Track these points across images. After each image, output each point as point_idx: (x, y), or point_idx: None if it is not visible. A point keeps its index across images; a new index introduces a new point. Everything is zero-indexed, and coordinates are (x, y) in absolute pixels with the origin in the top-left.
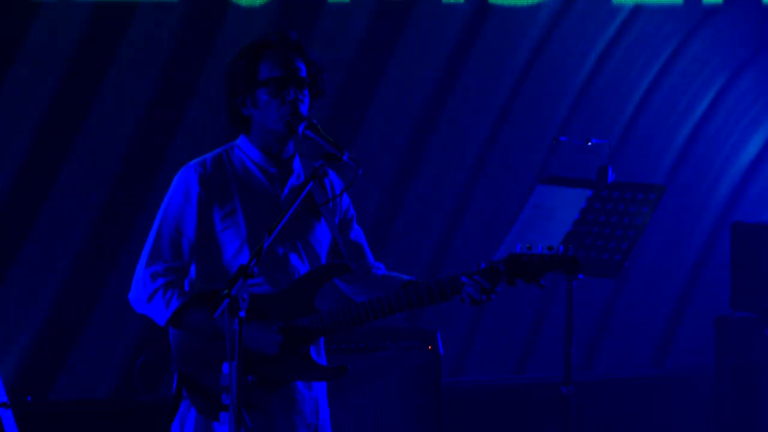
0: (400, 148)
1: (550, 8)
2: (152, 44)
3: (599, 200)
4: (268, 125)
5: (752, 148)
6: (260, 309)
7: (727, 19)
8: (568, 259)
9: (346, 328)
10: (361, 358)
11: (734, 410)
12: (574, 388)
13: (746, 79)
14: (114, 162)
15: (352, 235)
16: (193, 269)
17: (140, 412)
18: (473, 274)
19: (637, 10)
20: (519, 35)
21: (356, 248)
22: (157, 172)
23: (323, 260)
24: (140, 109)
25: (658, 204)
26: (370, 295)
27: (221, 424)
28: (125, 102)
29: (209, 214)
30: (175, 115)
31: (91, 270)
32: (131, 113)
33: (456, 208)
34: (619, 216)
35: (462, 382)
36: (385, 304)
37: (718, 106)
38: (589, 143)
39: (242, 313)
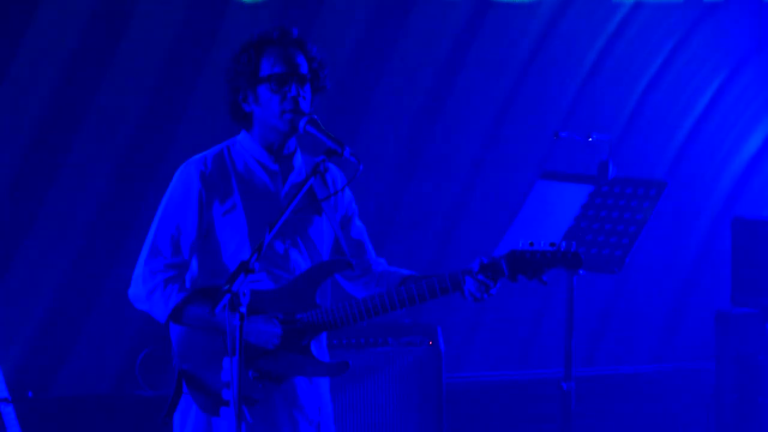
0: (401, 143)
1: (552, 3)
2: (153, 39)
3: (600, 196)
4: (270, 121)
5: (753, 143)
6: (261, 305)
7: (728, 15)
8: (570, 256)
9: (347, 323)
10: (362, 354)
11: (735, 405)
12: (574, 383)
13: (747, 75)
14: (115, 157)
15: (354, 232)
16: (194, 265)
17: (141, 407)
18: (475, 272)
19: (637, 5)
20: (520, 31)
21: (357, 244)
22: (158, 167)
23: (325, 256)
24: (142, 104)
25: (658, 199)
26: (371, 291)
27: (221, 419)
28: (127, 97)
29: (210, 210)
30: (177, 111)
31: (92, 265)
32: (133, 108)
33: (457, 203)
34: (619, 211)
35: (463, 378)
36: (386, 300)
37: (719, 101)
38: (590, 139)
39: (243, 309)
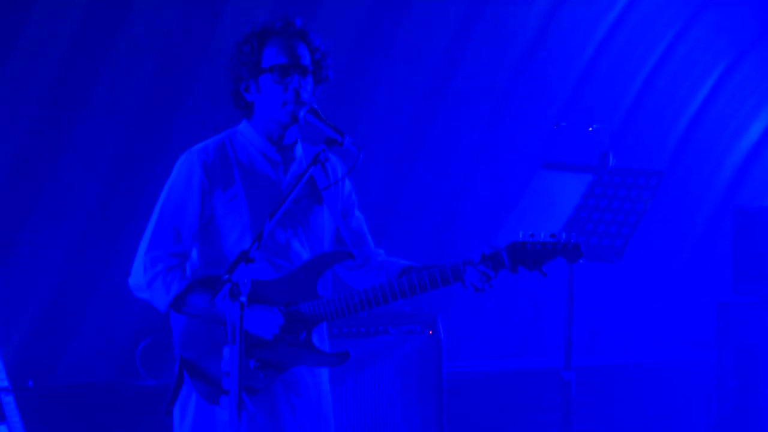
0: (402, 133)
1: None
2: (154, 27)
3: (600, 185)
4: (271, 112)
5: (754, 133)
6: (262, 294)
7: (730, 4)
8: (571, 247)
9: (347, 313)
10: (363, 343)
11: (736, 395)
12: (574, 372)
13: (748, 65)
14: (115, 146)
15: (354, 222)
16: (195, 254)
17: (142, 396)
18: (476, 263)
19: None
20: (521, 20)
21: (357, 235)
22: (159, 156)
23: (326, 246)
24: (143, 92)
25: (658, 189)
26: (371, 281)
27: (222, 408)
28: (128, 85)
29: (211, 199)
30: (178, 99)
31: (93, 254)
32: (133, 96)
33: (457, 192)
34: (619, 201)
35: (463, 367)
36: (387, 290)
37: (720, 91)
38: (591, 129)
39: (243, 299)
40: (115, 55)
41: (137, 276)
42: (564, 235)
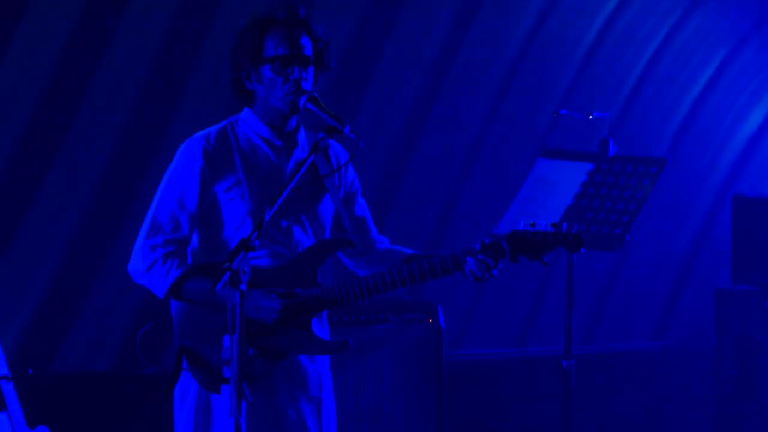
0: (402, 121)
1: None
2: (153, 15)
3: (600, 173)
4: (271, 102)
5: (753, 121)
6: (262, 282)
7: None
8: (572, 237)
9: (348, 301)
10: (363, 331)
11: (734, 383)
12: (574, 361)
13: (747, 53)
14: (115, 134)
15: (357, 209)
16: (195, 241)
17: (142, 384)
18: (476, 252)
19: None
20: (520, 8)
21: (360, 222)
22: (160, 144)
23: (328, 233)
24: (143, 80)
25: (658, 177)
26: (373, 269)
27: (221, 396)
28: (128, 72)
29: (212, 187)
30: (179, 87)
31: (93, 241)
32: (134, 83)
33: (457, 181)
34: (620, 189)
35: (463, 355)
36: (387, 278)
37: (720, 79)
38: (591, 116)
39: (243, 287)
40: (115, 43)
41: (136, 262)
42: (565, 225)
